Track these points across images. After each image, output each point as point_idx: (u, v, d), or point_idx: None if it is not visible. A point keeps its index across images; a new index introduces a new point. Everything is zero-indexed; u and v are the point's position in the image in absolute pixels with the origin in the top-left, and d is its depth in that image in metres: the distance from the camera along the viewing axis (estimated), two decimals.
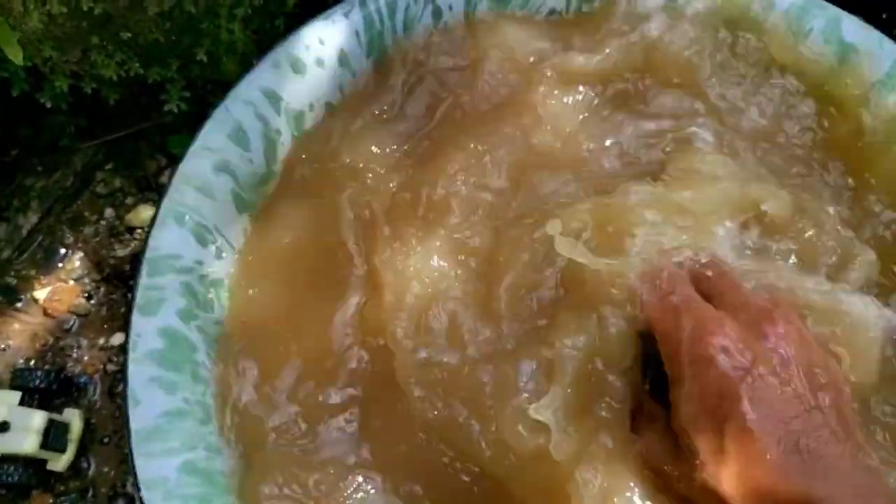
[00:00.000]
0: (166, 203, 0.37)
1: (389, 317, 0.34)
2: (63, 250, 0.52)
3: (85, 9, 0.45)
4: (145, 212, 0.53)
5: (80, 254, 0.52)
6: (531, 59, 0.45)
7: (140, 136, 0.56)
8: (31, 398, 0.44)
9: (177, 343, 0.35)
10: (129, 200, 0.54)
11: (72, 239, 0.53)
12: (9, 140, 0.55)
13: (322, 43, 0.44)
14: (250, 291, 0.39)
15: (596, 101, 0.44)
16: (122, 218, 0.53)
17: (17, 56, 0.48)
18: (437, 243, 0.36)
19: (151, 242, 0.36)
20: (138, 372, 0.33)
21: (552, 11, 0.48)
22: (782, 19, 0.44)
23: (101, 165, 0.56)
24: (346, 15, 0.44)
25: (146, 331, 0.34)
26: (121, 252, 0.52)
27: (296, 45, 0.43)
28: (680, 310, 0.28)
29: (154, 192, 0.54)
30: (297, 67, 0.43)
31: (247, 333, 0.37)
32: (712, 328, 0.26)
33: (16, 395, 0.43)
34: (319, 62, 0.44)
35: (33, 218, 0.54)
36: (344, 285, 0.37)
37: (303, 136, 0.43)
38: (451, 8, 0.47)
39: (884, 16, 0.67)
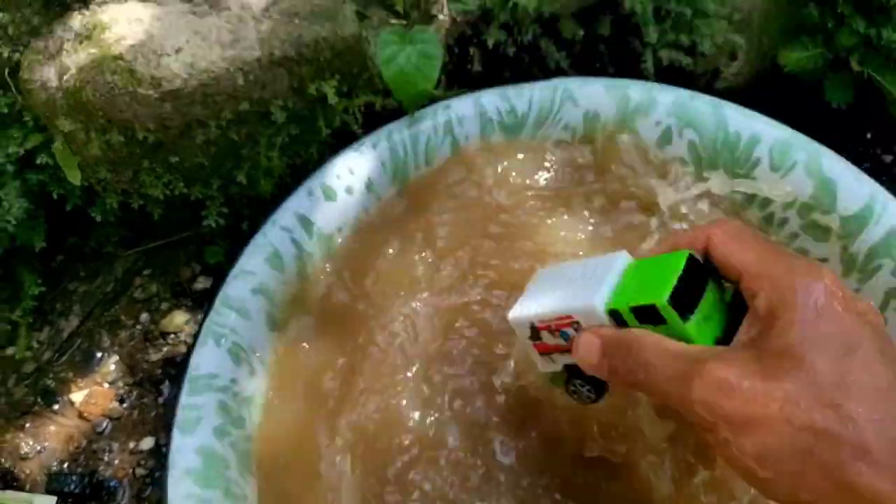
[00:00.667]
0: (207, 324, 0.41)
1: None
2: (100, 354, 0.55)
3: (140, 138, 0.50)
4: (179, 317, 0.57)
5: (116, 357, 0.55)
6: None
7: (178, 245, 0.60)
8: (66, 503, 0.46)
9: (212, 460, 0.37)
10: (165, 306, 0.58)
11: (109, 342, 0.56)
12: (57, 247, 0.60)
13: (352, 172, 0.48)
14: (278, 410, 0.41)
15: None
16: (156, 323, 0.56)
17: (76, 178, 0.53)
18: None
19: (193, 360, 0.39)
20: (176, 490, 0.35)
21: (560, 141, 0.53)
22: (767, 154, 0.48)
23: (140, 271, 0.60)
24: (374, 146, 0.49)
25: (184, 449, 0.37)
26: (154, 356, 0.55)
27: (328, 175, 0.48)
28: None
29: (188, 297, 0.58)
30: (328, 195, 0.47)
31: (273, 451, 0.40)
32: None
33: (51, 500, 0.45)
34: (349, 190, 0.48)
35: (74, 321, 0.57)
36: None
37: (334, 259, 0.47)
38: (467, 138, 0.52)
39: (868, 135, 0.73)
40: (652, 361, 0.30)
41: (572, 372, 0.37)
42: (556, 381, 0.40)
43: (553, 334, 0.36)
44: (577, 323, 0.35)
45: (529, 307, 0.38)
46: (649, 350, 0.31)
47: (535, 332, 0.38)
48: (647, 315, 0.32)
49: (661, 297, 0.31)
